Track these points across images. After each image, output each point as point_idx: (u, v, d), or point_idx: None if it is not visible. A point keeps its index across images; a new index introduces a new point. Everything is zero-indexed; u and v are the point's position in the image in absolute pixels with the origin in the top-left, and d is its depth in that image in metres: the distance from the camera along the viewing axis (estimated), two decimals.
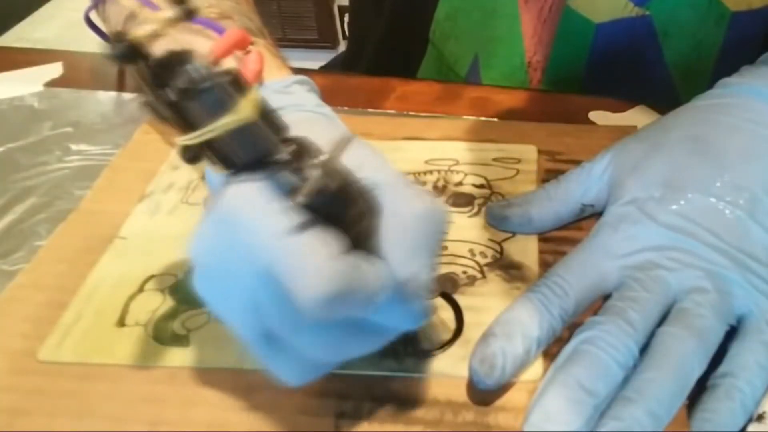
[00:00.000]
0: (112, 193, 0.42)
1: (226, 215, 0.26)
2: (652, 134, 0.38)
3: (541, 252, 0.37)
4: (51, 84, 0.53)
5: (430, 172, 0.42)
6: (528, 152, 0.43)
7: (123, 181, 0.43)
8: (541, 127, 0.46)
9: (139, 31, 0.23)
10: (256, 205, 0.25)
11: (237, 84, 0.24)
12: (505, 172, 0.42)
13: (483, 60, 0.55)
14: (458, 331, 0.33)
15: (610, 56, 0.53)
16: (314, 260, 0.24)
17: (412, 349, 0.32)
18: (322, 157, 0.25)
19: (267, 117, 0.25)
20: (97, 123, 0.49)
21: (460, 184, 0.41)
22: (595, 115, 0.49)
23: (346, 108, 0.49)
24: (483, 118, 0.48)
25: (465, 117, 0.49)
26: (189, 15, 0.24)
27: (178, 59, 0.23)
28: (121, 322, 0.34)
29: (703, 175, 0.35)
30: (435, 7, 0.55)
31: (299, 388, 0.31)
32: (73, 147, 0.47)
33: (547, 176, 0.42)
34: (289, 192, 0.25)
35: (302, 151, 0.25)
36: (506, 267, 0.36)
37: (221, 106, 0.24)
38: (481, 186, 0.41)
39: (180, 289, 0.36)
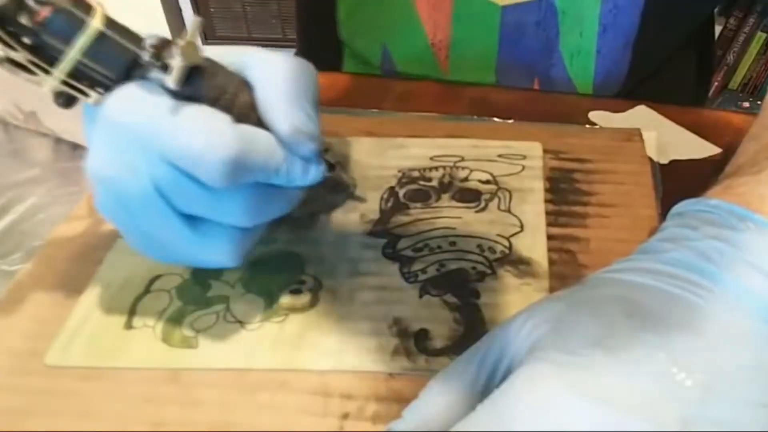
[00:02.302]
0: None
1: (111, 122, 0.27)
2: (575, 292, 0.28)
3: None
4: None
5: (436, 168, 0.42)
6: (533, 149, 0.43)
7: None
8: (544, 129, 0.46)
9: None
10: (137, 102, 0.27)
11: (81, 3, 0.26)
12: (511, 168, 0.42)
13: (391, 47, 0.57)
14: (469, 328, 0.33)
15: (521, 35, 0.54)
16: (209, 128, 0.26)
17: (424, 347, 0.32)
18: (180, 41, 0.26)
19: (117, 28, 0.27)
20: None
21: (465, 179, 0.41)
22: (595, 115, 0.49)
23: (346, 108, 0.49)
24: (485, 118, 0.48)
25: (465, 117, 0.49)
26: None
27: (17, 2, 0.25)
28: (129, 325, 0.34)
29: (644, 342, 0.24)
30: (334, 8, 0.57)
31: (301, 387, 0.31)
32: None
33: (552, 173, 0.41)
34: (162, 86, 0.27)
35: (162, 46, 0.27)
36: (515, 262, 0.36)
37: (72, 29, 0.25)
38: (487, 182, 0.41)
39: (187, 289, 0.35)
